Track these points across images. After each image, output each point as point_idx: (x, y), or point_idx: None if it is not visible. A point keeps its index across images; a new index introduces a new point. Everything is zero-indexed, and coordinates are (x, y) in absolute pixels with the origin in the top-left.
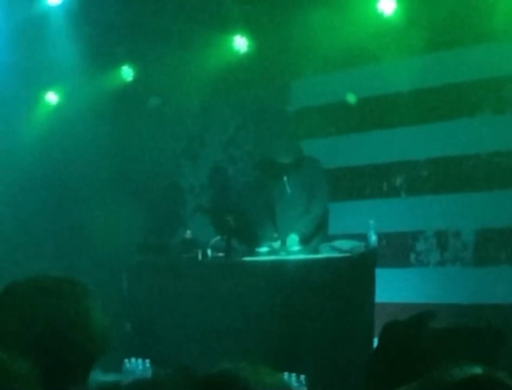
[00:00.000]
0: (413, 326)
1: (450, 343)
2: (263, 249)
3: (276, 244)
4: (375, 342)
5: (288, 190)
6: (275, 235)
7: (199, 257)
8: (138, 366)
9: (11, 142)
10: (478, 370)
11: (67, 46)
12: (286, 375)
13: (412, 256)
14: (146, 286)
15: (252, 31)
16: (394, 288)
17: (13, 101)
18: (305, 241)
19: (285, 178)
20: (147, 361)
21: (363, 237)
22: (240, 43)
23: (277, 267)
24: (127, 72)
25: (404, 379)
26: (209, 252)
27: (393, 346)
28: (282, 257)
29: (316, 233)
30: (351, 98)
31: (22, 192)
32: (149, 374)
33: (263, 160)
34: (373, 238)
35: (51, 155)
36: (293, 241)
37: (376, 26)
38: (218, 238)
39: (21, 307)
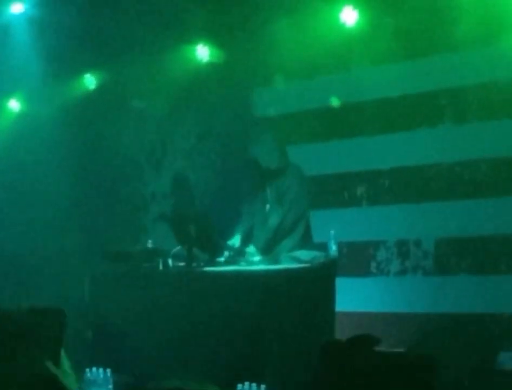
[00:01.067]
0: (351, 348)
1: (385, 367)
2: (224, 258)
3: (237, 254)
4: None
5: (270, 198)
6: (237, 245)
7: (160, 266)
8: (99, 375)
9: None
10: None
11: (30, 54)
12: (246, 384)
13: (373, 265)
14: (108, 295)
15: (215, 40)
16: (355, 297)
17: None
18: (265, 250)
19: (267, 183)
20: (108, 370)
21: (324, 246)
22: (203, 52)
23: (238, 277)
24: (90, 80)
25: None
26: (170, 261)
27: (331, 365)
28: (243, 267)
29: (277, 242)
30: (313, 106)
31: None
32: (110, 383)
33: (249, 161)
34: (334, 248)
35: (13, 161)
36: (252, 251)
37: (339, 36)
38: (179, 247)
39: None
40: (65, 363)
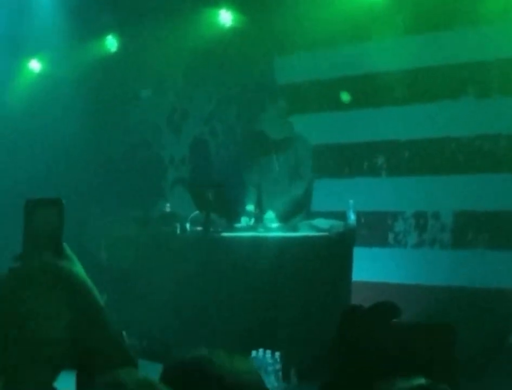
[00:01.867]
0: (372, 315)
1: (404, 338)
2: (242, 224)
3: (255, 220)
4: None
5: (276, 167)
6: (256, 211)
7: (178, 230)
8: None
9: None
10: (422, 381)
11: (51, 15)
12: (261, 351)
13: (391, 236)
14: (125, 258)
15: (238, 6)
16: (371, 268)
17: None
18: (284, 218)
19: (274, 155)
20: (123, 332)
21: (342, 215)
22: (226, 17)
23: (255, 243)
24: (111, 42)
25: (362, 365)
26: (188, 226)
27: (351, 333)
28: (261, 233)
29: (296, 211)
30: (335, 74)
31: (3, 159)
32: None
33: (252, 133)
34: (352, 217)
35: (33, 122)
36: (271, 218)
37: (361, 7)
38: (197, 212)
39: None
40: (69, 252)
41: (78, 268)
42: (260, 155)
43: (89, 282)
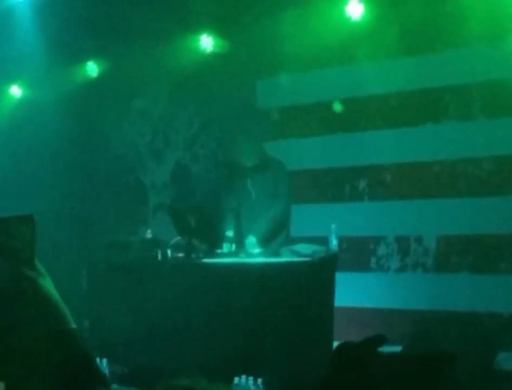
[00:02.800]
0: (364, 349)
1: (400, 369)
2: (224, 250)
3: (237, 246)
4: (334, 345)
5: (252, 193)
6: (235, 236)
7: (159, 256)
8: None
9: None
10: None
11: (33, 40)
12: (243, 377)
13: (373, 260)
14: (106, 285)
15: (219, 30)
16: (354, 292)
17: None
18: (264, 242)
19: (248, 180)
20: (104, 359)
21: (324, 240)
22: (207, 42)
23: (237, 269)
24: (92, 68)
25: None
26: (169, 252)
27: (344, 367)
28: (242, 259)
29: (276, 235)
30: (317, 99)
31: None
32: (106, 373)
33: (227, 161)
34: (334, 242)
35: (14, 147)
36: (252, 243)
37: (344, 30)
38: (178, 238)
39: None
40: (40, 267)
41: (49, 285)
42: (235, 181)
43: (58, 298)
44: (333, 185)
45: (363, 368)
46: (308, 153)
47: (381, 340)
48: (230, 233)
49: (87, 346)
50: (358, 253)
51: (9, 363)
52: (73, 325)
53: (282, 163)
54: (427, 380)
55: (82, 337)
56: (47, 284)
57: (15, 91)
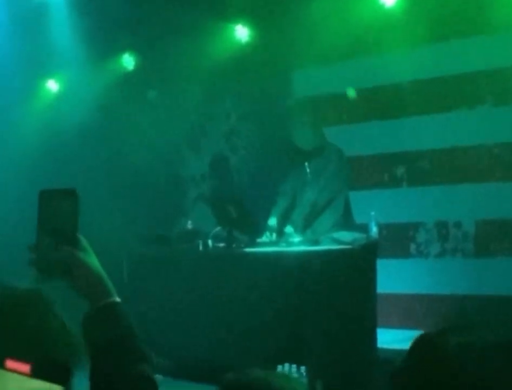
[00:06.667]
0: (445, 339)
1: (484, 357)
2: (264, 240)
3: (278, 235)
4: (378, 333)
5: (308, 177)
6: (279, 225)
7: (200, 247)
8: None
9: (12, 129)
10: None
11: (68, 35)
12: (286, 366)
13: (413, 247)
14: (147, 277)
15: (254, 21)
16: (395, 279)
17: (14, 89)
18: (302, 228)
19: (306, 165)
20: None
21: (364, 227)
22: (242, 33)
23: (278, 258)
24: (128, 61)
25: None
26: (210, 242)
27: (428, 360)
28: (283, 248)
29: (313, 219)
30: (351, 90)
31: (22, 180)
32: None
33: (285, 144)
34: (374, 229)
35: (51, 143)
36: (291, 232)
37: (377, 18)
38: (219, 228)
39: None
40: (84, 243)
41: (93, 260)
42: (293, 165)
43: (103, 274)
44: (371, 172)
45: (446, 359)
46: (345, 140)
47: (461, 329)
48: (271, 222)
49: (131, 322)
50: (398, 240)
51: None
52: (118, 299)
53: (341, 149)
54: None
55: (127, 312)
56: (93, 261)
57: (52, 85)
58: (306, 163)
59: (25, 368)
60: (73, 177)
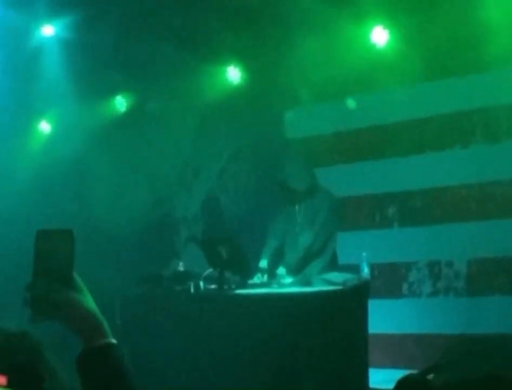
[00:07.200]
0: (428, 380)
1: None
2: (256, 281)
3: (269, 276)
4: (370, 373)
5: (299, 218)
6: (270, 266)
7: (192, 289)
8: None
9: (5, 169)
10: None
11: (60, 76)
12: None
13: (405, 287)
14: (139, 318)
15: (245, 62)
16: (387, 319)
17: (6, 129)
18: (295, 271)
19: (296, 206)
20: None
21: (356, 268)
22: (233, 74)
23: (270, 300)
24: (120, 103)
25: None
26: (201, 284)
27: None
28: (275, 289)
29: (307, 263)
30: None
31: (16, 220)
32: None
33: (279, 183)
34: (366, 270)
35: (44, 183)
36: (283, 273)
37: (369, 57)
38: (211, 270)
39: None
40: (79, 282)
41: (89, 300)
42: (284, 205)
43: (99, 315)
44: (363, 212)
45: None
46: (336, 180)
47: (446, 368)
48: (262, 263)
49: (127, 364)
50: (390, 280)
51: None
52: (114, 341)
53: (330, 191)
54: None
55: (122, 354)
56: (86, 299)
57: (45, 126)
58: (297, 205)
59: None
60: (66, 217)
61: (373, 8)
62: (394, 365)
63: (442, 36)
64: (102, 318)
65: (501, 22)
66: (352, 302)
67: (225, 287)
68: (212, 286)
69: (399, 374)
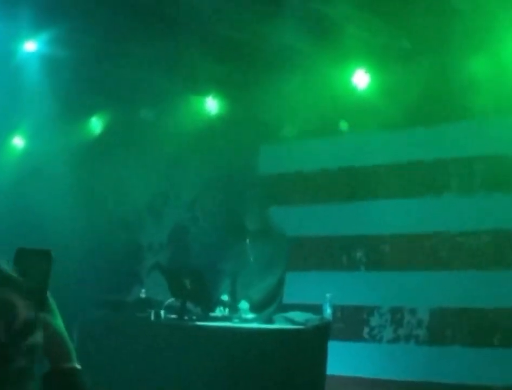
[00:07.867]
0: None
1: None
2: (217, 314)
3: (230, 310)
4: None
5: (251, 257)
6: (229, 301)
7: (152, 317)
8: None
9: None
10: None
11: (39, 92)
12: None
13: (366, 331)
14: (98, 343)
15: (224, 94)
16: (346, 362)
17: None
18: (257, 309)
19: (249, 244)
20: None
21: (319, 308)
22: (212, 105)
23: (230, 334)
24: (96, 124)
25: None
26: (162, 313)
27: None
28: (236, 324)
29: (270, 302)
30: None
31: None
32: None
33: (231, 221)
34: (328, 311)
35: (16, 197)
36: (245, 308)
37: (349, 99)
38: (172, 299)
39: None
40: (52, 304)
41: (59, 322)
42: (235, 244)
43: (67, 338)
44: (330, 253)
45: None
46: (307, 220)
47: None
48: (224, 297)
49: (90, 388)
50: (352, 323)
51: None
52: (78, 366)
53: (284, 232)
54: None
55: (85, 381)
56: (57, 321)
57: (18, 142)
58: (249, 243)
59: None
60: (34, 234)
61: (356, 52)
62: None
63: (421, 85)
64: (69, 342)
65: (480, 75)
66: (312, 342)
67: (186, 318)
68: (173, 316)
69: None
